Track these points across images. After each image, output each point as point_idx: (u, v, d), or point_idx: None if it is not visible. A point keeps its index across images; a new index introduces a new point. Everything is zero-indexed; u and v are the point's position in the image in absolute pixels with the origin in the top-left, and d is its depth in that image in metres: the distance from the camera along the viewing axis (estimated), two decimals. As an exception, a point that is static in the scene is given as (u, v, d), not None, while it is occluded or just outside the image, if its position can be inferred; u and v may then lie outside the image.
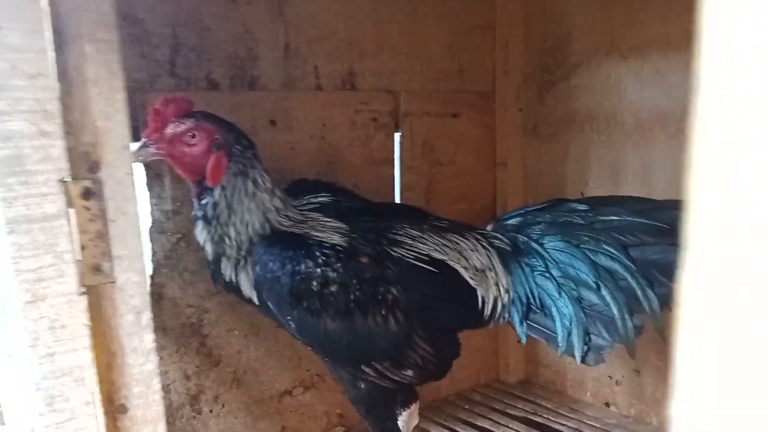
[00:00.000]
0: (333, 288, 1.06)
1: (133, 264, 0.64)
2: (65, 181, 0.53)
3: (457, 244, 1.17)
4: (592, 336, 1.09)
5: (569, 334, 1.10)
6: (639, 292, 1.05)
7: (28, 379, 0.54)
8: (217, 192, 1.06)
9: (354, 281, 1.07)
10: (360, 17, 1.47)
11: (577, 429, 1.54)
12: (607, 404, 1.63)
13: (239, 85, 1.34)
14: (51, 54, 0.53)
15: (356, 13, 1.47)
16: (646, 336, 1.10)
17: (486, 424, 1.57)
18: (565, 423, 1.56)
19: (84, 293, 0.57)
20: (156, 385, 0.69)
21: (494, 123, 1.73)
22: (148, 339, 0.68)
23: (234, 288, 1.12)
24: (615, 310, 1.06)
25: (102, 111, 0.59)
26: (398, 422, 1.23)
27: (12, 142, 0.50)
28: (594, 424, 1.56)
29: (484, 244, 1.18)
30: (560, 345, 1.11)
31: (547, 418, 1.59)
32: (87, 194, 0.58)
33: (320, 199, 1.20)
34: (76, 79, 0.57)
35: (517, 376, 1.81)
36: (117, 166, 0.61)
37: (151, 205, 1.25)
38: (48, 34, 0.54)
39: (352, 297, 1.07)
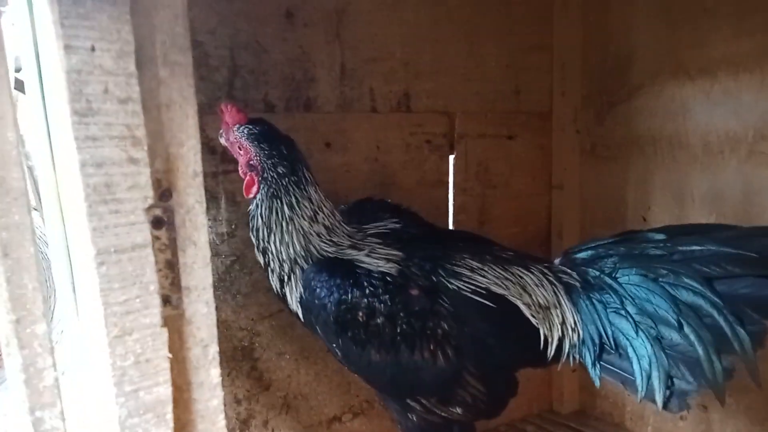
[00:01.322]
0: (379, 320, 1.03)
1: (202, 295, 0.61)
2: (147, 209, 0.51)
3: (521, 278, 1.12)
4: (674, 379, 1.00)
5: (649, 377, 1.01)
6: (727, 330, 0.95)
7: (111, 417, 0.51)
8: (253, 204, 1.11)
9: (401, 314, 1.03)
10: (417, 37, 1.45)
11: (638, 467, 1.46)
12: (670, 441, 1.55)
13: (295, 107, 1.33)
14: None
15: (414, 33, 1.44)
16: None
17: (541, 459, 1.51)
18: (624, 460, 1.49)
19: (164, 325, 0.54)
20: (221, 421, 0.66)
21: (550, 144, 1.68)
22: (215, 373, 0.65)
23: (281, 298, 1.13)
24: (700, 351, 0.96)
25: (174, 137, 0.57)
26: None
27: (103, 169, 0.48)
28: (657, 462, 1.48)
29: (551, 278, 1.12)
30: (639, 389, 1.02)
31: (605, 454, 1.52)
32: (157, 223, 0.55)
33: (386, 224, 1.17)
34: (149, 104, 0.55)
35: (571, 407, 1.74)
36: (188, 194, 0.58)
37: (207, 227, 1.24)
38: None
39: (398, 330, 1.03)
